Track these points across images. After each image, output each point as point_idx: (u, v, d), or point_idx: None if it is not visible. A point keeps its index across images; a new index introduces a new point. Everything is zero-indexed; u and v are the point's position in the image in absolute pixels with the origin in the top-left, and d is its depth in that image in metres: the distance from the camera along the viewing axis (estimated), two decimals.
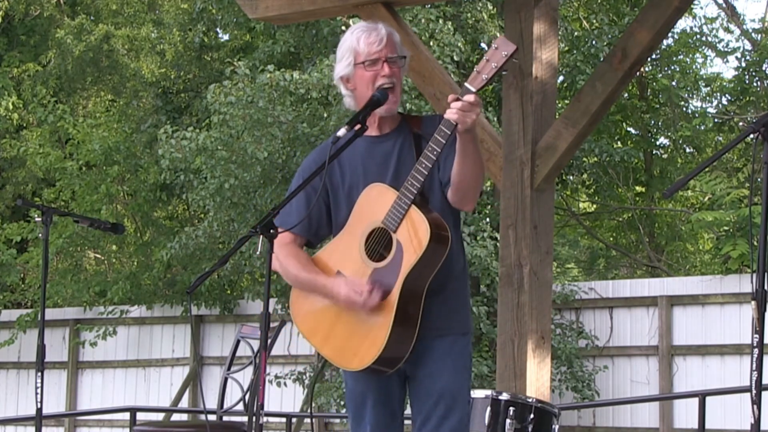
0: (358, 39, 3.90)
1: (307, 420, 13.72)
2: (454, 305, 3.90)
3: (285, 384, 13.16)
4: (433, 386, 3.83)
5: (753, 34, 16.66)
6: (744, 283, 11.63)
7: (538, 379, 6.00)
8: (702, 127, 15.20)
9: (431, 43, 11.95)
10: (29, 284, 17.29)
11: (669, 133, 16.68)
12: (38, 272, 16.40)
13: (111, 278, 15.54)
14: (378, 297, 3.74)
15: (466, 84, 3.62)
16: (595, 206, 18.24)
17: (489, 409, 4.75)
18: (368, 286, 3.74)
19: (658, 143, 17.47)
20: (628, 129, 17.30)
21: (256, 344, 6.03)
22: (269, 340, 5.06)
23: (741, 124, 15.53)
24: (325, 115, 12.33)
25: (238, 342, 6.48)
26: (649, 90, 16.77)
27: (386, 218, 3.76)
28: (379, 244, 3.79)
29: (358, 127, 3.74)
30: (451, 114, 3.60)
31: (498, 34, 12.96)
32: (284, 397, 13.75)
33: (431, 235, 3.69)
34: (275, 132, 12.12)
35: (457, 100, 3.60)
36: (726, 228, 12.66)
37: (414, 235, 3.71)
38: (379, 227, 3.78)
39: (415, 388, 3.89)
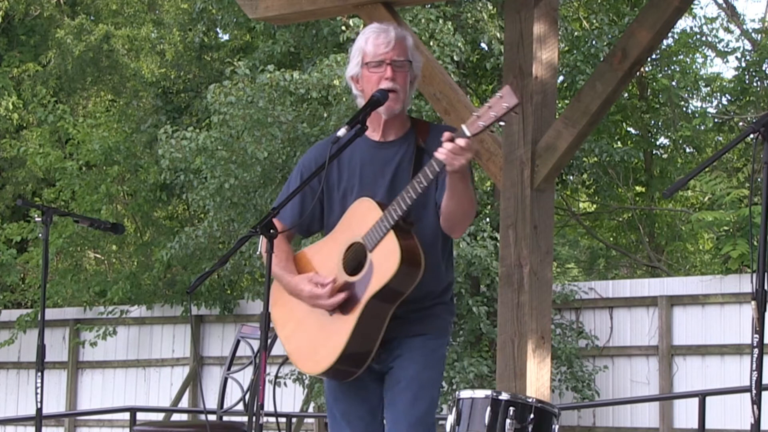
0: (367, 39, 3.90)
1: (308, 420, 13.73)
2: (436, 313, 3.92)
3: (285, 384, 13.17)
4: (402, 374, 3.85)
5: (753, 34, 16.66)
6: (744, 283, 11.63)
7: (538, 379, 6.00)
8: (702, 127, 15.20)
9: (431, 43, 11.95)
10: (29, 284, 17.30)
11: (669, 133, 16.67)
12: (38, 272, 16.39)
13: (111, 278, 15.54)
14: (341, 297, 3.77)
15: (462, 126, 3.58)
16: (595, 206, 18.24)
17: (489, 409, 4.74)
18: (330, 281, 3.78)
19: (658, 143, 17.46)
20: (628, 129, 17.29)
21: (256, 344, 6.03)
22: (269, 340, 5.06)
23: (741, 124, 15.53)
24: (325, 115, 12.33)
25: (238, 342, 6.48)
26: (649, 90, 16.76)
27: (366, 236, 3.79)
28: (355, 258, 3.82)
29: (357, 126, 3.74)
30: (440, 154, 3.58)
31: (498, 35, 12.96)
32: (284, 397, 13.75)
33: (400, 264, 3.69)
34: (275, 132, 12.12)
35: (452, 140, 3.57)
36: (726, 228, 12.66)
37: (385, 261, 3.73)
38: (358, 242, 3.81)
39: (386, 380, 3.91)
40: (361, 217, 3.82)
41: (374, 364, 3.87)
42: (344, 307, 3.79)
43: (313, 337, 3.87)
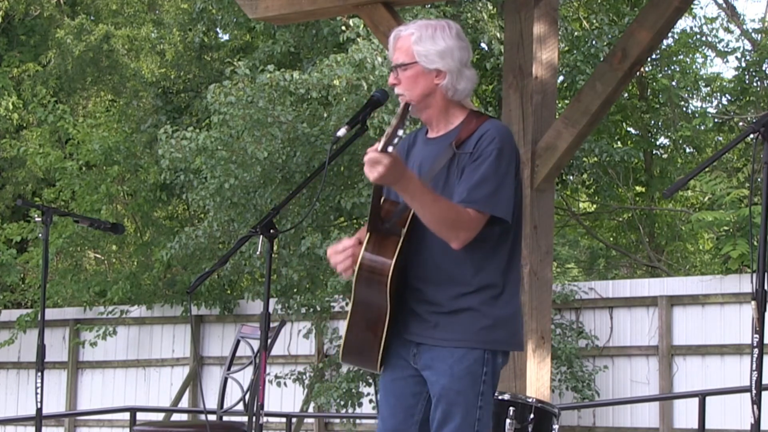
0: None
1: (308, 420, 13.73)
2: (460, 320, 3.80)
3: (285, 384, 13.17)
4: (433, 390, 3.83)
5: (753, 34, 16.65)
6: (744, 283, 11.62)
7: (538, 379, 6.01)
8: (702, 127, 15.18)
9: None
10: (29, 284, 17.30)
11: (669, 133, 16.67)
12: (38, 272, 16.39)
13: (111, 278, 15.53)
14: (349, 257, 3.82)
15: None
16: (595, 206, 18.24)
17: None
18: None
19: (658, 143, 17.46)
20: (628, 129, 17.30)
21: (256, 344, 6.03)
22: (269, 340, 5.07)
23: (741, 124, 15.53)
24: (325, 115, 12.33)
25: (238, 342, 6.49)
26: (649, 90, 16.77)
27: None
28: None
29: (357, 126, 3.73)
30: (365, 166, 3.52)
31: (498, 35, 12.97)
32: (284, 397, 13.75)
33: (358, 271, 3.70)
34: (275, 132, 12.11)
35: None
36: (726, 228, 12.65)
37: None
38: None
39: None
40: None
41: (413, 363, 3.86)
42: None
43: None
